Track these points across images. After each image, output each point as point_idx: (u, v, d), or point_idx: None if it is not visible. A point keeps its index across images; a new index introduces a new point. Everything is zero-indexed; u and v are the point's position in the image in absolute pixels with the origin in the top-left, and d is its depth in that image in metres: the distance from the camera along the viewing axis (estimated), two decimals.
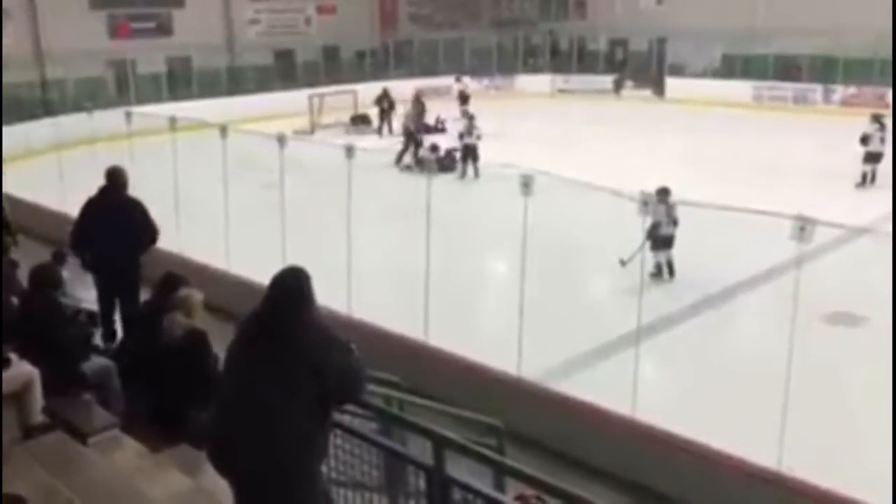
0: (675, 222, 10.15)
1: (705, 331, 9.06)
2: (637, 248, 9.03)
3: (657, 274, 10.51)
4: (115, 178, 7.33)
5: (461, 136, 17.13)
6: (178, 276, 5.41)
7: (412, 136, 18.31)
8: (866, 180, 15.51)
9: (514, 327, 7.09)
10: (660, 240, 10.21)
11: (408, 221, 9.12)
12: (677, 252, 10.35)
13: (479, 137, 16.92)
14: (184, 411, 4.56)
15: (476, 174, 16.72)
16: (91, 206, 7.34)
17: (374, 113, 23.64)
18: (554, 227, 10.74)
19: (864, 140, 15.51)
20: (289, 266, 3.69)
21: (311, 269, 3.68)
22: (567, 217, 11.20)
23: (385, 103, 23.20)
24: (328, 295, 7.95)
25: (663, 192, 9.91)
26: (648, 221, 9.24)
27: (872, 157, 15.41)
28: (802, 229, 5.08)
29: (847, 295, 9.38)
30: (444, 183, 14.86)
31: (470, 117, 17.38)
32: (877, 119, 15.81)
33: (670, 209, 9.98)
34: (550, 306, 9.08)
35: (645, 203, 5.75)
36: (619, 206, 9.84)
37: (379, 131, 22.98)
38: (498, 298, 10.29)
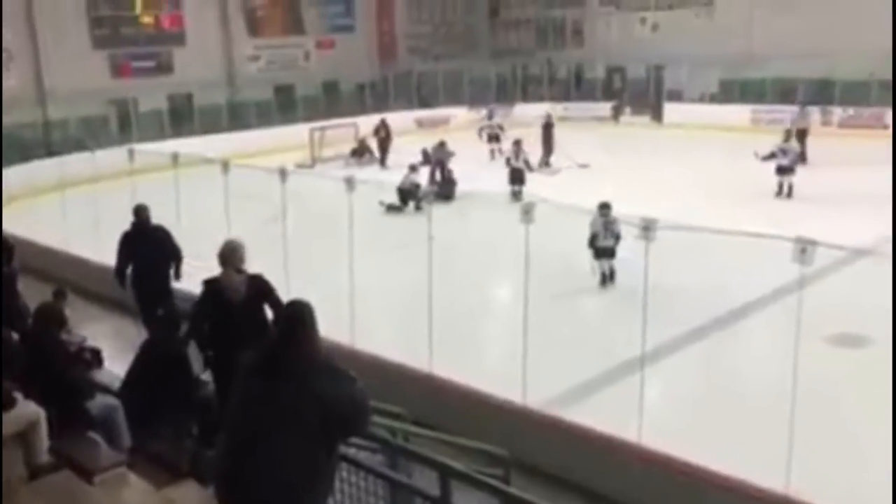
0: (616, 236, 10.97)
1: (710, 353, 9.05)
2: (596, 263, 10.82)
3: (602, 282, 11.43)
4: (142, 213, 9.01)
5: (507, 161, 18.34)
6: (177, 314, 5.44)
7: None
8: (782, 191, 16.36)
9: (519, 354, 7.10)
10: (599, 250, 11.23)
11: (410, 251, 9.16)
12: (681, 275, 10.37)
13: (526, 162, 17.98)
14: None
15: (520, 197, 16.89)
16: (128, 238, 8.97)
17: (374, 144, 23.82)
18: (556, 253, 10.77)
19: (773, 155, 16.43)
20: (292, 299, 3.72)
21: (314, 302, 3.71)
22: (568, 243, 11.23)
23: (383, 132, 23.48)
24: (331, 327, 7.99)
25: (604, 207, 10.99)
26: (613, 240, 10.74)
27: (785, 170, 16.35)
28: (804, 251, 5.10)
29: (850, 316, 9.37)
30: (441, 212, 14.99)
31: (517, 142, 18.24)
32: (788, 134, 16.83)
33: (610, 223, 10.89)
34: (555, 331, 9.08)
35: (646, 228, 5.77)
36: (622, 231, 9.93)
37: (381, 162, 23.15)
38: (502, 325, 10.29)
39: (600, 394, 7.98)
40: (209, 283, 6.19)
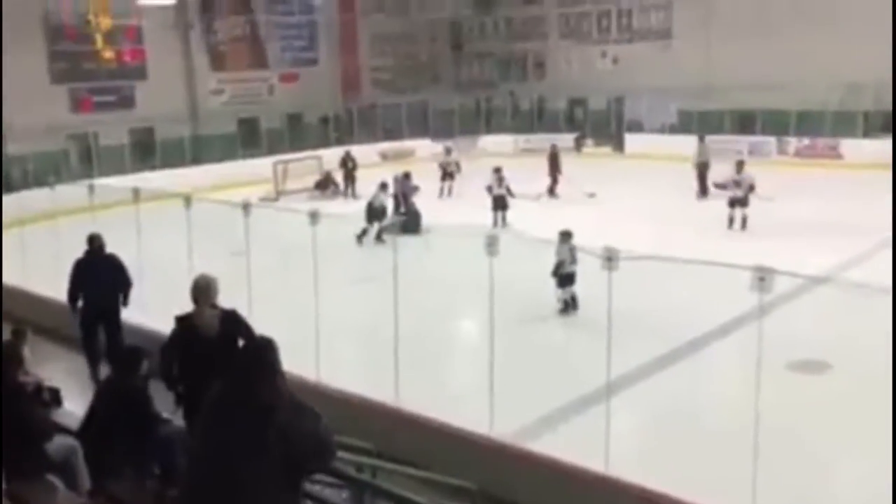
0: (575, 262, 11.14)
1: (675, 381, 9.11)
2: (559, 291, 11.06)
3: (564, 310, 11.52)
4: (94, 242, 9.45)
5: (489, 188, 18.33)
6: (139, 351, 5.38)
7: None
8: (734, 224, 16.38)
9: (486, 385, 7.09)
10: (564, 277, 11.34)
11: (375, 283, 9.15)
12: (643, 304, 10.46)
13: (507, 189, 18.12)
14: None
15: (504, 223, 17.68)
16: (80, 265, 9.39)
17: (340, 176, 23.87)
18: (521, 283, 10.81)
19: (724, 186, 16.71)
20: (257, 335, 3.70)
21: (278, 336, 3.69)
22: (532, 273, 11.30)
23: (350, 164, 23.73)
24: (296, 361, 7.94)
25: (566, 234, 11.25)
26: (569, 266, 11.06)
27: (738, 202, 16.39)
28: (762, 279, 5.18)
29: (811, 343, 9.52)
30: (405, 244, 15.00)
31: (497, 170, 18.41)
32: (740, 165, 16.81)
33: (573, 250, 10.96)
34: (521, 362, 9.10)
35: (609, 258, 5.83)
36: (583, 261, 10.02)
37: (345, 193, 23.28)
38: (468, 356, 10.29)
39: (567, 424, 7.99)
40: (182, 320, 6.12)
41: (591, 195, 20.34)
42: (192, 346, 5.92)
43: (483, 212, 17.63)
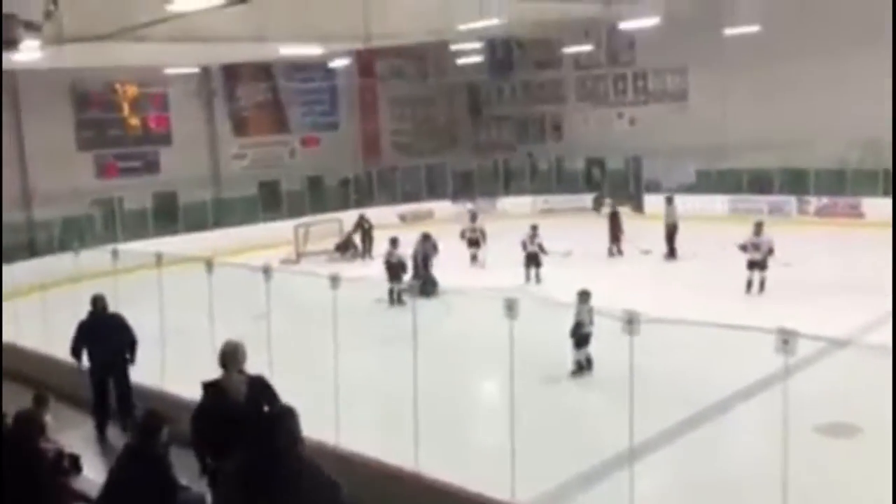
0: (592, 323, 11.06)
1: (701, 445, 8.96)
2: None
3: (577, 371, 11.48)
4: (98, 303, 9.99)
5: (524, 244, 18.70)
6: (159, 416, 5.37)
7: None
8: (752, 287, 16.08)
9: (507, 450, 7.00)
10: (582, 338, 11.25)
11: (394, 346, 9.12)
12: (665, 367, 10.35)
13: (540, 247, 18.49)
14: None
15: (538, 279, 18.19)
16: (83, 326, 9.88)
17: (357, 238, 24.07)
18: (541, 347, 10.75)
19: (745, 248, 16.27)
20: (280, 403, 3.70)
21: (298, 400, 3.70)
22: (552, 335, 11.24)
23: (366, 225, 24.19)
24: (316, 425, 7.90)
25: (584, 294, 11.11)
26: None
27: (756, 265, 16.11)
28: (786, 342, 5.12)
29: (837, 405, 9.37)
30: (424, 307, 14.98)
31: (533, 227, 18.86)
32: (759, 227, 16.49)
33: (591, 311, 10.87)
34: (543, 426, 8.99)
35: (629, 322, 5.79)
36: (601, 324, 9.96)
37: (362, 255, 23.58)
38: (487, 419, 10.20)
39: (589, 490, 7.85)
40: (210, 387, 6.12)
41: (647, 252, 20.60)
42: (220, 412, 5.91)
43: (505, 274, 17.65)
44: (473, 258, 21.16)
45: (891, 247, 19.07)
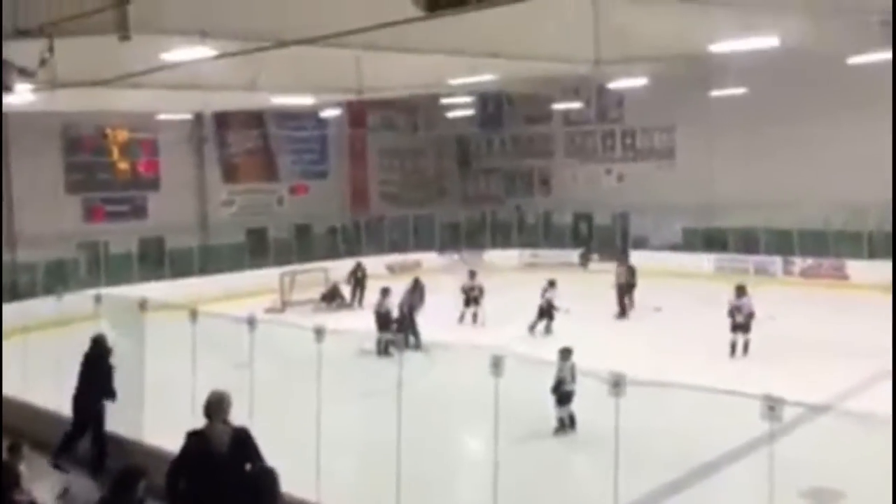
0: (574, 380, 11.03)
1: None
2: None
3: (560, 429, 11.42)
4: (98, 343, 10.23)
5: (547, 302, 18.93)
6: (136, 470, 5.29)
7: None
8: (736, 350, 15.99)
9: None
10: (564, 395, 11.21)
11: (379, 399, 9.04)
12: (649, 429, 10.30)
13: (549, 302, 18.79)
14: None
15: (547, 331, 18.54)
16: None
17: (348, 286, 24.11)
18: (526, 404, 10.67)
19: (731, 313, 16.19)
20: (260, 465, 3.64)
21: (279, 453, 3.63)
22: (539, 396, 11.18)
23: (359, 273, 24.36)
24: (297, 480, 7.77)
25: (566, 352, 11.21)
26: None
27: (739, 328, 16.06)
28: (772, 409, 5.12)
29: (821, 471, 9.31)
30: (411, 359, 14.89)
31: (551, 282, 19.25)
32: (741, 291, 16.44)
33: (573, 368, 10.89)
34: (525, 485, 8.87)
35: (616, 384, 5.77)
36: (587, 384, 9.92)
37: (351, 304, 23.56)
38: (470, 477, 10.06)
39: None
40: (194, 436, 6.06)
41: (658, 310, 20.76)
42: (203, 462, 5.84)
43: (495, 330, 17.62)
44: (473, 316, 20.36)
45: (876, 309, 19.22)
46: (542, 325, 18.74)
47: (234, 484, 5.66)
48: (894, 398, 8.98)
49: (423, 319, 18.04)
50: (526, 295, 19.72)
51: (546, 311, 18.85)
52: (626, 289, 21.23)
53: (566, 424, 11.46)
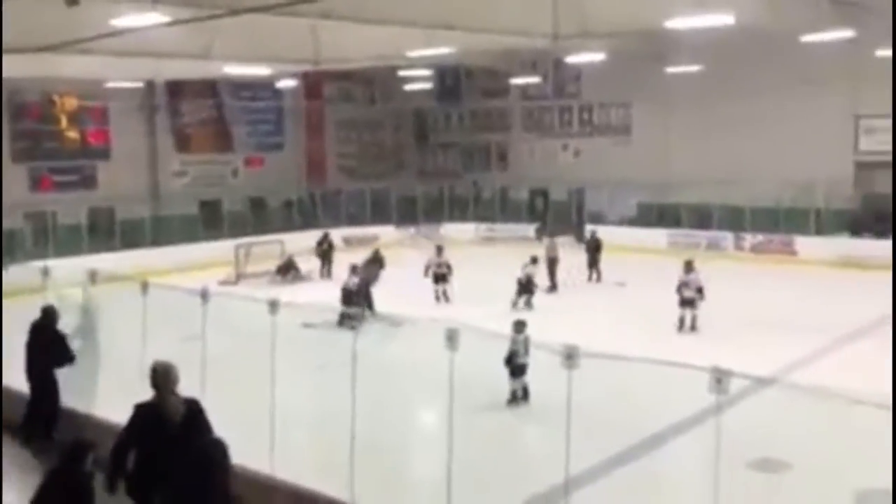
0: (528, 353, 11.07)
1: (634, 480, 9.01)
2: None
3: (513, 400, 11.53)
4: (48, 313, 9.91)
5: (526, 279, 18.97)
6: (85, 443, 5.22)
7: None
8: (684, 325, 16.18)
9: (443, 479, 6.93)
10: (517, 368, 11.28)
11: (332, 373, 9.01)
12: (600, 401, 10.44)
13: (528, 276, 18.91)
14: None
15: (527, 305, 18.44)
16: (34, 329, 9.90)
17: (313, 261, 24.04)
18: (482, 376, 10.73)
19: (679, 288, 16.35)
20: (209, 437, 3.59)
21: (231, 426, 3.60)
22: (492, 369, 11.24)
23: (325, 245, 24.44)
24: (250, 454, 7.73)
25: (520, 325, 11.24)
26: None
27: (687, 303, 16.21)
28: (719, 381, 5.20)
29: (768, 442, 9.55)
30: (367, 333, 14.86)
31: (533, 259, 19.33)
32: (688, 266, 16.62)
33: (526, 340, 10.91)
34: (478, 456, 8.94)
35: (569, 356, 5.82)
36: (541, 358, 10.00)
37: (321, 274, 23.59)
38: (424, 449, 10.11)
39: None
40: (143, 408, 5.97)
41: (621, 285, 20.98)
42: (155, 434, 5.76)
43: (471, 307, 17.61)
44: (443, 294, 19.70)
45: (823, 284, 19.68)
46: (522, 300, 18.65)
47: (187, 456, 5.61)
48: (894, 381, 9.21)
49: (388, 295, 17.88)
50: (488, 269, 19.75)
51: (525, 287, 18.82)
52: (555, 263, 21.27)
53: (519, 396, 11.58)
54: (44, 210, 25.07)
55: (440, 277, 19.91)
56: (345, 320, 16.37)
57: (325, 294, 17.96)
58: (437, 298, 19.53)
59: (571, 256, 22.61)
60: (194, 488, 3.40)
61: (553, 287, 21.01)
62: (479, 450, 9.26)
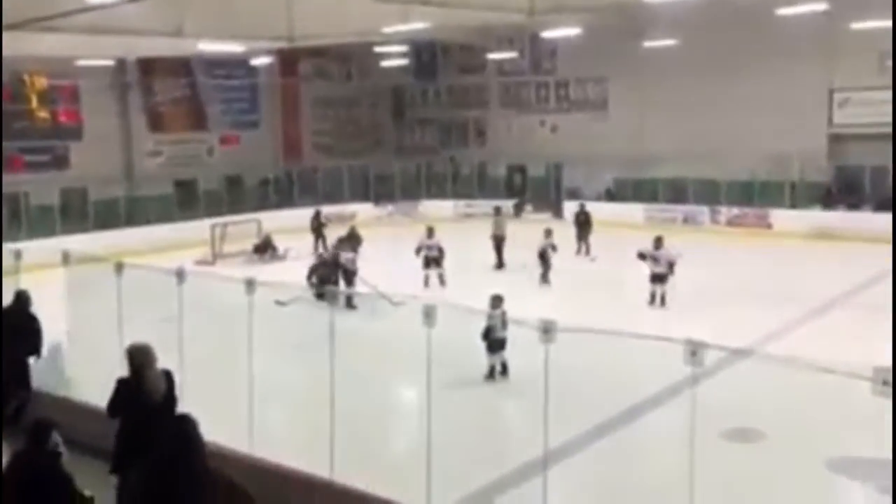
0: (506, 327, 11.02)
1: (611, 452, 9.12)
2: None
3: (490, 375, 11.57)
4: (21, 298, 9.84)
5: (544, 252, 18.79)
6: (47, 422, 5.21)
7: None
8: (655, 300, 16.15)
9: (423, 455, 6.97)
10: (495, 343, 11.30)
11: (310, 351, 9.00)
12: (580, 374, 10.52)
13: (552, 247, 18.79)
14: None
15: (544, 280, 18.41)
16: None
17: (279, 240, 23.76)
18: (460, 351, 10.77)
19: (643, 257, 16.46)
20: (179, 415, 3.59)
21: (209, 406, 3.59)
22: (469, 344, 11.29)
23: (316, 222, 24.55)
24: (228, 433, 7.72)
25: (497, 299, 11.23)
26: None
27: (657, 278, 16.18)
28: (694, 353, 5.24)
29: (742, 413, 9.69)
30: (347, 311, 14.86)
31: (547, 231, 19.03)
32: (658, 241, 16.59)
33: (504, 315, 10.82)
34: (458, 431, 9.00)
35: (546, 331, 5.84)
36: (519, 333, 10.03)
37: (315, 249, 23.20)
38: (404, 425, 10.17)
39: (504, 496, 7.89)
40: (125, 383, 6.04)
41: (593, 260, 21.43)
42: (137, 409, 5.93)
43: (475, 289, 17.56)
44: (439, 278, 18.54)
45: (798, 257, 19.88)
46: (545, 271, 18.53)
47: (166, 429, 5.68)
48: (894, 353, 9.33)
49: (382, 275, 17.67)
50: (470, 246, 19.66)
51: (544, 258, 18.63)
52: (502, 240, 20.88)
53: (497, 371, 11.63)
54: (16, 191, 24.73)
55: (432, 261, 18.66)
56: (323, 293, 16.39)
57: (303, 273, 17.90)
58: (427, 284, 18.23)
59: (558, 232, 22.66)
60: (175, 461, 3.40)
61: (500, 265, 20.57)
62: (459, 426, 9.31)
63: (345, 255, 17.78)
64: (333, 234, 20.43)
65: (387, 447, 9.89)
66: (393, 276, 17.43)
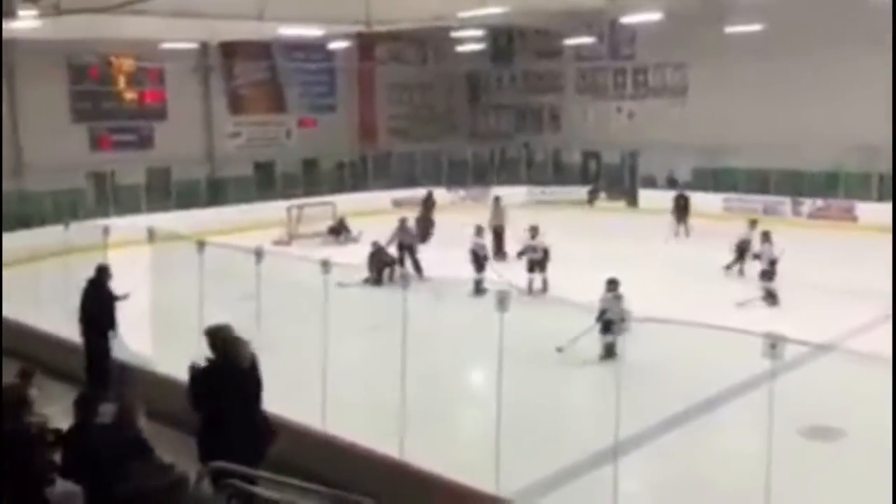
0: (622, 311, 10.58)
1: (686, 444, 8.98)
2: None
3: (605, 356, 11.47)
4: (101, 273, 10.27)
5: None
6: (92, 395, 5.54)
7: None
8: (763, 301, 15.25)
9: (493, 440, 7.00)
10: (607, 324, 11.31)
11: (384, 332, 9.11)
12: (657, 364, 10.39)
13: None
14: None
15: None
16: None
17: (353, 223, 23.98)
18: (531, 340, 10.76)
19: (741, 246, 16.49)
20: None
21: (285, 383, 3.67)
22: (544, 330, 11.26)
23: (430, 202, 24.75)
24: (303, 409, 7.88)
25: (612, 283, 11.59)
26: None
27: (765, 275, 15.61)
28: (773, 347, 5.13)
29: (822, 409, 9.42)
30: (414, 296, 14.94)
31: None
32: (753, 224, 16.39)
33: (618, 298, 11.20)
34: (529, 417, 9.00)
35: (622, 320, 5.80)
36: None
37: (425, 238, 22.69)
38: (475, 412, 10.20)
39: (575, 484, 7.85)
40: (203, 371, 6.46)
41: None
42: (230, 374, 6.37)
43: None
44: (543, 284, 16.47)
45: (884, 251, 19.13)
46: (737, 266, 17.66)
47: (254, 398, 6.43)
48: (894, 342, 9.00)
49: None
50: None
51: (742, 251, 17.48)
52: (502, 230, 19.70)
53: (610, 351, 11.37)
54: (104, 170, 25.63)
55: (536, 264, 16.51)
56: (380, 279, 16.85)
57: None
58: (531, 290, 16.25)
59: (625, 220, 22.37)
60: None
61: (500, 255, 19.16)
62: (530, 412, 9.31)
63: (475, 241, 17.14)
64: (394, 219, 20.10)
65: (458, 430, 9.95)
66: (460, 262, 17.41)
